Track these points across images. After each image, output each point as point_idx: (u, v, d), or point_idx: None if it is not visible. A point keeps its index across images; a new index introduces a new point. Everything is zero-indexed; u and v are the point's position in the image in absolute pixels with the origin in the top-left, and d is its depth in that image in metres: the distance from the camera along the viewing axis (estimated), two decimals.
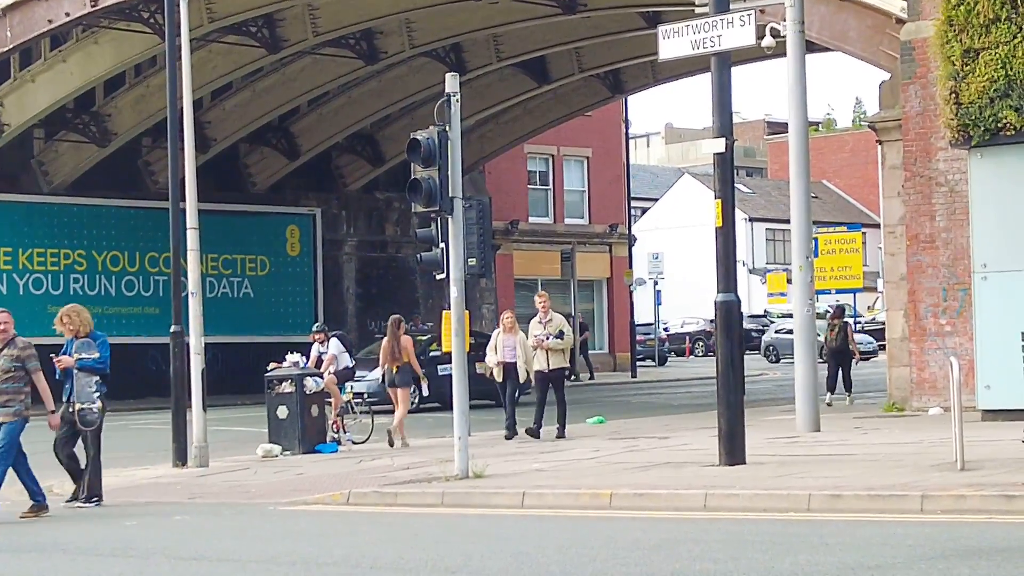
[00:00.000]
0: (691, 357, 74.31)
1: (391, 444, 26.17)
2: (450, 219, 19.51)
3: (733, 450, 18.54)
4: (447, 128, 19.20)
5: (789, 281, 58.01)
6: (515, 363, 26.27)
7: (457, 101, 19.29)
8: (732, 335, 18.78)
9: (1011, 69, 23.79)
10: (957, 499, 14.59)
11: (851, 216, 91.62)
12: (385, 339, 27.38)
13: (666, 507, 16.03)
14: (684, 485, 16.95)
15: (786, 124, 27.30)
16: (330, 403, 26.97)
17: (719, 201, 18.82)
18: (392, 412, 35.65)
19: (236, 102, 47.64)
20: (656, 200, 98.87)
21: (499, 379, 26.86)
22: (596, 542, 13.90)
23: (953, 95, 24.22)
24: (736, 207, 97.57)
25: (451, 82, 19.43)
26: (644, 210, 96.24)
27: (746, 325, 79.12)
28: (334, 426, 27.02)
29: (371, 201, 54.33)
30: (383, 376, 27.70)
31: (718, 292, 18.98)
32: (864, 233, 55.76)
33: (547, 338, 25.94)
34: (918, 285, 27.48)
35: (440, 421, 30.66)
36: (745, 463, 18.48)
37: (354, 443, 27.03)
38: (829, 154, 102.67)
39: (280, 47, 43.69)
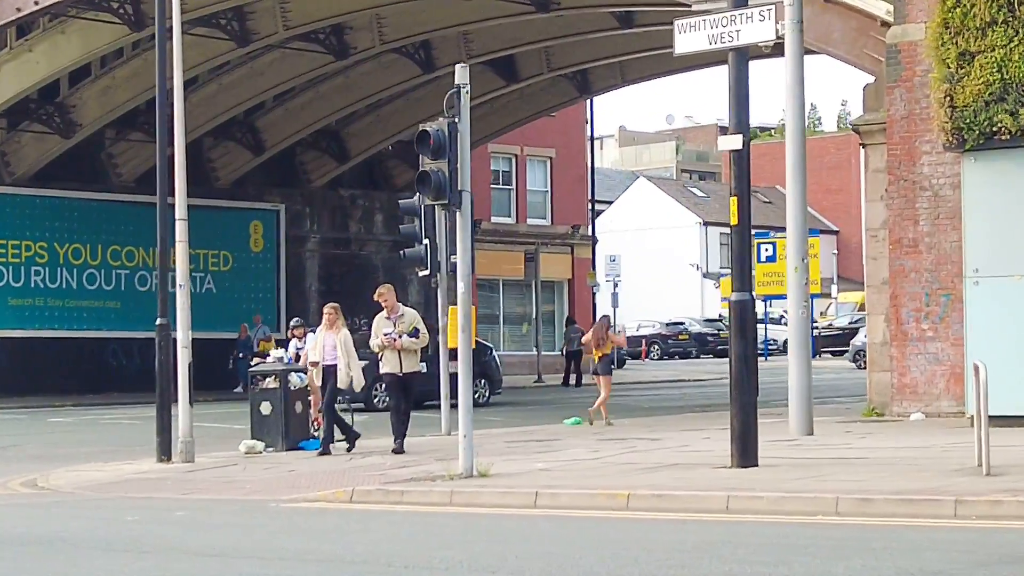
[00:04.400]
0: (647, 360, 74.04)
1: (591, 423, 28.17)
2: (458, 212, 19.10)
3: (746, 451, 18.20)
4: (456, 120, 18.83)
5: None
6: (335, 365, 23.97)
7: (467, 92, 18.90)
8: (747, 334, 18.37)
9: (1007, 73, 23.63)
10: (993, 504, 14.31)
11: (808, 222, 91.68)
12: (590, 332, 30.00)
13: (686, 509, 15.66)
14: (703, 487, 16.61)
15: None
16: (312, 400, 26.52)
17: (735, 198, 18.42)
18: (367, 410, 35.44)
19: (202, 95, 46.99)
20: (611, 203, 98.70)
21: (317, 382, 24.90)
22: (628, 543, 13.54)
23: (948, 98, 24.04)
24: (690, 210, 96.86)
25: (461, 73, 19.02)
26: (599, 212, 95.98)
27: (701, 329, 78.98)
28: (315, 423, 26.58)
29: (335, 198, 53.87)
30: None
31: (732, 291, 18.58)
32: (819, 239, 55.59)
33: (399, 336, 23.53)
34: (900, 290, 27.25)
35: (416, 420, 30.22)
36: (758, 465, 18.17)
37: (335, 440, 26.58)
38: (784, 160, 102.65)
39: (249, 40, 43.22)
